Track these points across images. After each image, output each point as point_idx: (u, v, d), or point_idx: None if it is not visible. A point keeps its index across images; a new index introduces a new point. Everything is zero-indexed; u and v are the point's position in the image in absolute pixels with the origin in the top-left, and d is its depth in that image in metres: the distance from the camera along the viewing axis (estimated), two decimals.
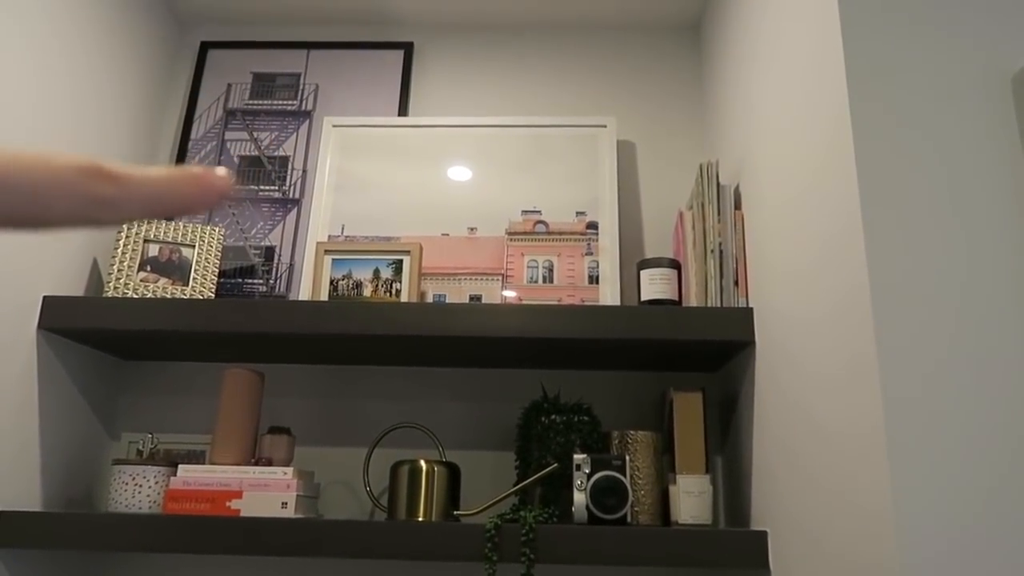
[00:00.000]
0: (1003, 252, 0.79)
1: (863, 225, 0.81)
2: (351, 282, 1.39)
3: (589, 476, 1.17)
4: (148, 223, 1.40)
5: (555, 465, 1.20)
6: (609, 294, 1.44)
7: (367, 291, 1.38)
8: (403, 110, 1.65)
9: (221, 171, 0.47)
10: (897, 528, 0.73)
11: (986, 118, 0.81)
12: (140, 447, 1.33)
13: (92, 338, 1.33)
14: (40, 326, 1.26)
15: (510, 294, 1.46)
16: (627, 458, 1.18)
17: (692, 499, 1.19)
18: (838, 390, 0.88)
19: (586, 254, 1.47)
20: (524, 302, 1.43)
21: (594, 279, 1.46)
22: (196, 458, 1.44)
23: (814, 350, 0.96)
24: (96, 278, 1.43)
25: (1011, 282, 0.78)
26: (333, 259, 1.40)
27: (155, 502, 1.24)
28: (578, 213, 1.50)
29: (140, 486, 1.24)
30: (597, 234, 1.48)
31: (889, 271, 0.79)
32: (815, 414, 0.96)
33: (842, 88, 0.86)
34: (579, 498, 1.16)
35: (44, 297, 1.27)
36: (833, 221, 0.90)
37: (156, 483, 1.25)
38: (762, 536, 1.11)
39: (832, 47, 0.90)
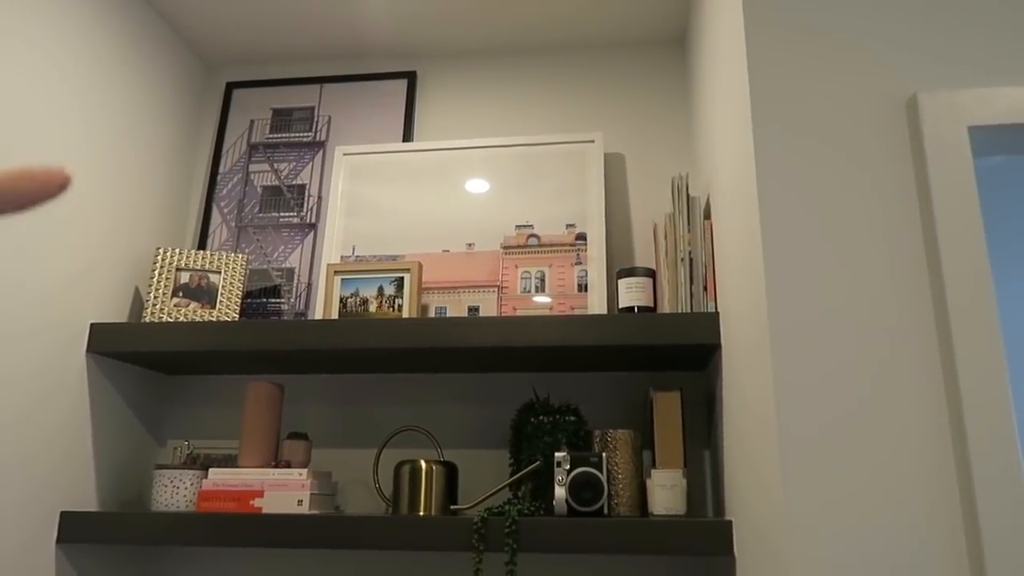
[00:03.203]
0: (887, 262, 0.86)
1: (762, 234, 0.89)
2: (358, 299, 1.53)
3: (568, 472, 1.28)
4: (180, 253, 1.57)
5: (538, 463, 1.31)
6: (597, 302, 1.54)
7: (372, 307, 1.52)
8: (408, 135, 1.78)
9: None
10: (788, 521, 0.82)
11: (881, 141, 0.89)
12: (179, 453, 1.50)
13: (134, 358, 1.51)
14: (89, 350, 1.44)
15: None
16: (604, 455, 1.29)
17: (665, 492, 1.28)
18: (756, 385, 0.97)
19: (575, 264, 1.58)
20: (517, 312, 1.55)
21: (583, 287, 1.56)
22: (231, 461, 1.60)
23: (747, 349, 1.05)
24: (138, 303, 1.61)
25: (892, 287, 0.86)
26: (342, 279, 1.54)
27: (191, 501, 1.41)
28: (568, 225, 1.61)
29: (177, 488, 1.41)
30: (586, 244, 1.58)
31: (783, 275, 0.88)
32: (752, 409, 1.04)
33: (747, 111, 0.94)
34: (559, 492, 1.27)
35: (91, 324, 1.45)
36: (746, 228, 0.99)
37: (191, 485, 1.42)
38: (727, 525, 1.20)
39: (740, 72, 0.98)
